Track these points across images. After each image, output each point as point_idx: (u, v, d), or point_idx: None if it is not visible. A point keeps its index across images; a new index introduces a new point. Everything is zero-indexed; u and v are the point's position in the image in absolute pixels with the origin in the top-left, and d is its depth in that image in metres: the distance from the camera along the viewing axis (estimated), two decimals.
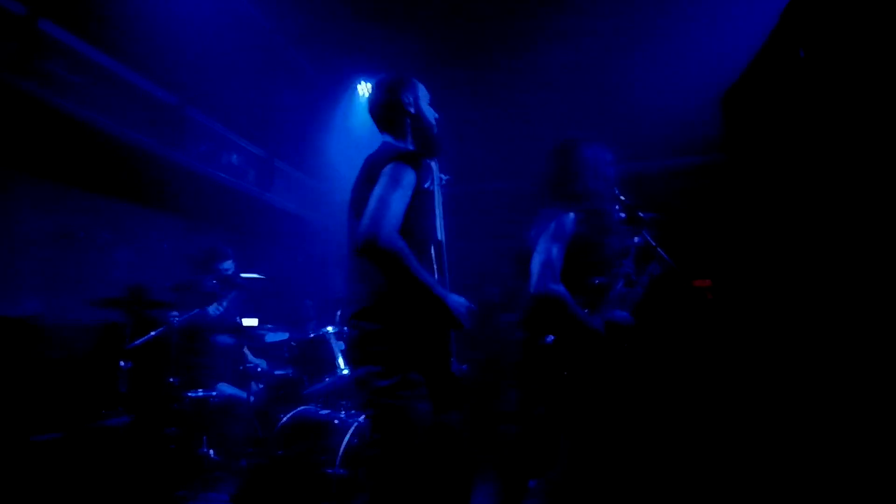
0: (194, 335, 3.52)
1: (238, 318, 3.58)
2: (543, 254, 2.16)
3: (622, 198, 2.39)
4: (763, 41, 2.75)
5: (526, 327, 2.26)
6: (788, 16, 2.50)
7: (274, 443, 3.08)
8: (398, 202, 1.69)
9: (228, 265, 3.82)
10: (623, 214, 2.41)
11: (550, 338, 2.17)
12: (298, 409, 3.22)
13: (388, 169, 1.73)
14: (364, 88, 5.16)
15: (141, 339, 3.18)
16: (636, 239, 2.43)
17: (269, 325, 3.86)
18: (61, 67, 3.39)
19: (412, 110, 2.02)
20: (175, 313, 3.34)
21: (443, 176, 2.14)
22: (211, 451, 3.28)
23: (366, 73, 5.13)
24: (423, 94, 2.09)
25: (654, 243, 2.42)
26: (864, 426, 2.06)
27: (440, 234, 1.97)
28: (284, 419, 3.17)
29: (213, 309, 3.62)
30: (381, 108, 2.02)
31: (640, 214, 2.40)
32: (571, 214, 2.23)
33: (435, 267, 1.92)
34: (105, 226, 3.78)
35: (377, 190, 1.70)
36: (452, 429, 1.83)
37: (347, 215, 1.91)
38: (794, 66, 2.41)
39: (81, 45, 3.49)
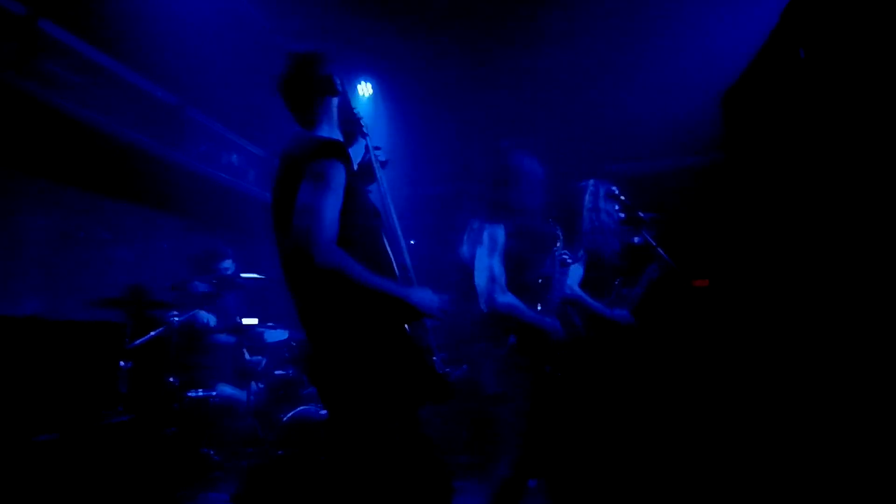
0: (194, 335, 3.52)
1: (238, 318, 3.58)
2: (486, 270, 2.24)
3: (622, 197, 2.40)
4: (763, 41, 2.75)
5: (483, 336, 2.30)
6: (788, 16, 2.50)
7: (274, 443, 3.08)
8: (331, 207, 1.46)
9: (228, 265, 3.82)
10: (623, 214, 2.42)
11: (513, 338, 2.21)
12: (298, 409, 3.22)
13: (311, 168, 1.48)
14: (364, 88, 5.15)
15: (141, 339, 3.18)
16: (636, 239, 2.44)
17: (270, 324, 3.86)
18: (61, 67, 3.39)
19: (340, 89, 1.75)
20: (175, 313, 3.34)
21: (378, 153, 1.87)
22: (211, 451, 3.28)
23: (366, 73, 5.12)
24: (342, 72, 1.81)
25: (653, 243, 2.43)
26: (864, 426, 2.06)
27: (395, 221, 1.75)
28: (284, 419, 3.17)
29: (203, 315, 3.61)
30: (302, 86, 1.71)
31: (640, 214, 2.41)
32: (501, 225, 2.27)
33: (393, 261, 1.71)
34: (105, 226, 3.78)
35: (303, 195, 1.46)
36: (427, 444, 1.66)
37: (273, 224, 1.65)
38: (794, 66, 2.41)
39: (81, 45, 3.49)
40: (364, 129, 1.87)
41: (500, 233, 2.28)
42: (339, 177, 1.51)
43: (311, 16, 3.98)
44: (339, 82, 1.75)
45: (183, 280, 3.52)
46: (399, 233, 1.76)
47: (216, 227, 4.81)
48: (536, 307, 2.27)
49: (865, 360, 2.08)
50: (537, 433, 2.19)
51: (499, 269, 2.23)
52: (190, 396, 3.29)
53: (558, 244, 2.37)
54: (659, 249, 2.42)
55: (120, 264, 3.85)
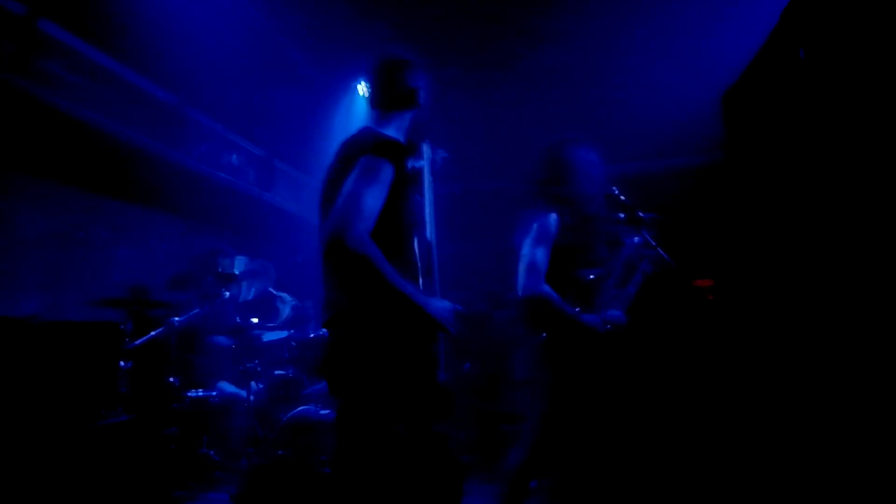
0: (194, 335, 3.52)
1: (238, 318, 3.58)
2: (528, 257, 2.18)
3: (622, 198, 2.39)
4: (763, 41, 2.75)
5: (521, 326, 2.27)
6: (788, 16, 2.50)
7: (274, 443, 3.08)
8: (373, 199, 1.50)
9: (229, 265, 3.82)
10: (622, 214, 2.41)
11: (544, 335, 2.18)
12: (298, 409, 3.22)
13: (364, 161, 1.54)
14: (364, 88, 5.15)
15: (141, 339, 3.18)
16: (636, 239, 2.43)
17: (269, 325, 3.86)
18: (61, 67, 3.39)
19: (421, 101, 1.82)
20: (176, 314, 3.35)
21: (437, 157, 1.91)
22: (211, 451, 3.28)
23: (366, 73, 5.12)
24: (429, 87, 1.87)
25: (653, 243, 2.42)
26: (865, 427, 2.06)
27: (429, 233, 1.79)
28: (284, 419, 3.17)
29: (210, 313, 3.60)
30: (385, 91, 1.79)
31: (640, 214, 2.40)
32: (553, 215, 2.24)
33: (420, 270, 1.73)
34: (105, 226, 3.78)
35: (349, 184, 1.51)
36: (440, 440, 1.67)
37: (319, 208, 1.72)
38: (794, 66, 2.41)
39: (81, 45, 3.49)
40: (429, 141, 1.89)
41: (552, 222, 2.21)
42: (386, 175, 1.54)
43: (312, 16, 3.98)
44: (422, 97, 1.81)
45: (184, 280, 3.53)
46: (433, 240, 1.78)
47: (216, 227, 4.82)
48: (577, 307, 2.19)
49: (865, 359, 2.08)
50: (553, 430, 2.17)
51: (542, 258, 2.16)
52: (190, 396, 3.29)
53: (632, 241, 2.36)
54: (659, 249, 2.41)
55: (120, 264, 3.85)
